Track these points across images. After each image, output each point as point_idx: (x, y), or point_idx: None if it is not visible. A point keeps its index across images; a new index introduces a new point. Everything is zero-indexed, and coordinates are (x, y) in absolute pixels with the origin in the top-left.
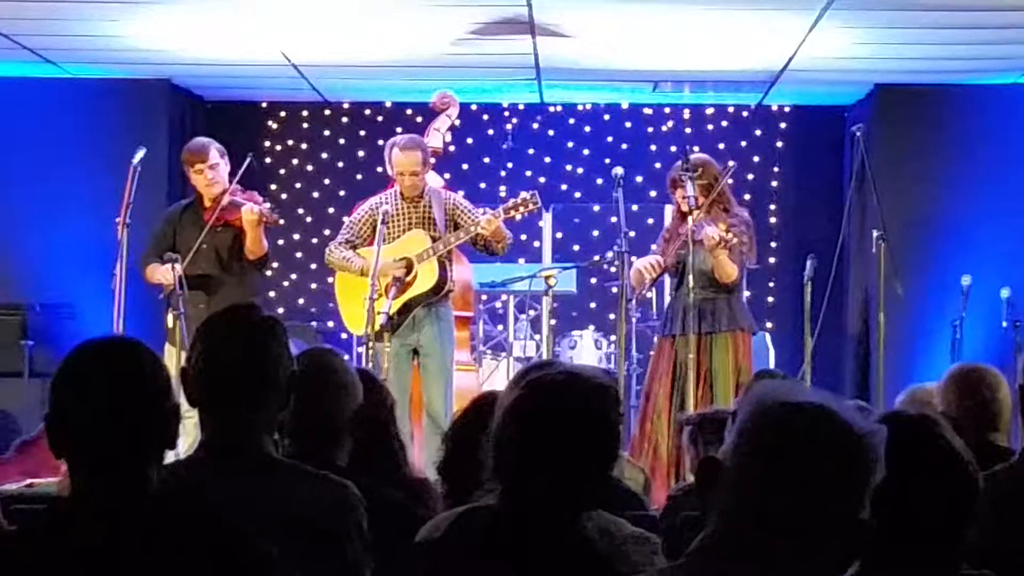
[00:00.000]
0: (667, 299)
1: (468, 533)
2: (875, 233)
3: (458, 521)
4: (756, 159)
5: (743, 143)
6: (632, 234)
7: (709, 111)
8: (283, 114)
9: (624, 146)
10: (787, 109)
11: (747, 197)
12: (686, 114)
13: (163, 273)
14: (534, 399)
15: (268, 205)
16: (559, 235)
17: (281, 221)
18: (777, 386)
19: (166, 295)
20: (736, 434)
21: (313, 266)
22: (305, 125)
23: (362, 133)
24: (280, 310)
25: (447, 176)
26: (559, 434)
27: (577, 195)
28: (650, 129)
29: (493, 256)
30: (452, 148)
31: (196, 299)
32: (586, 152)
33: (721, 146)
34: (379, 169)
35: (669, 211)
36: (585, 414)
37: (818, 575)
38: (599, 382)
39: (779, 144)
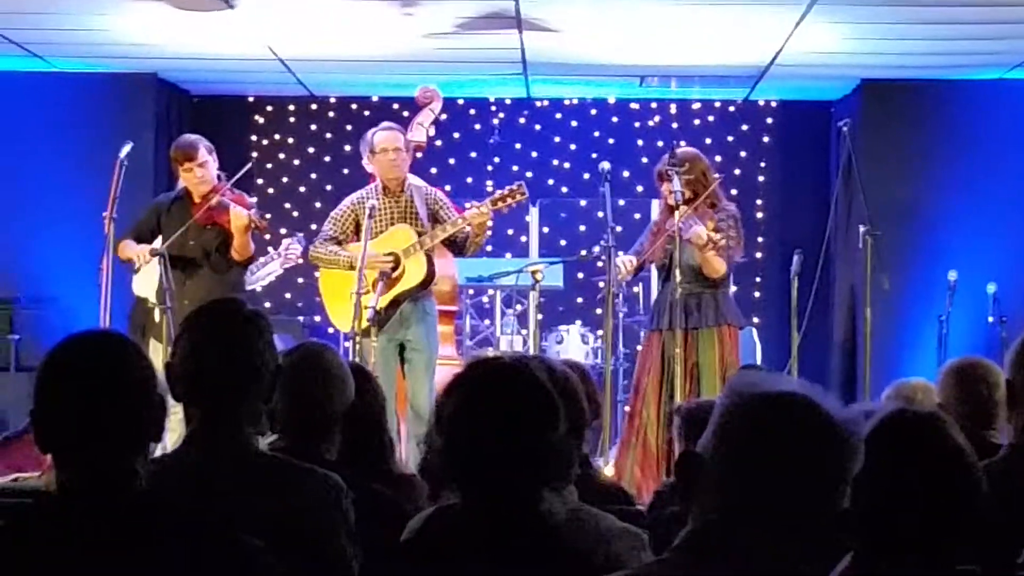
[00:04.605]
0: (654, 294)
1: (436, 533)
2: (861, 228)
3: (427, 522)
4: (743, 154)
5: (730, 138)
6: (619, 229)
7: (696, 106)
8: (270, 108)
9: (611, 141)
10: (774, 104)
11: (734, 192)
12: (673, 109)
13: (134, 251)
14: (456, 399)
15: (255, 210)
16: (546, 230)
17: (267, 219)
18: (753, 377)
19: (136, 270)
20: (714, 427)
21: (299, 260)
22: (292, 119)
23: (349, 127)
24: (267, 304)
25: (433, 171)
26: (483, 421)
27: (564, 190)
28: (637, 124)
29: (460, 255)
30: (438, 143)
31: (180, 295)
32: (573, 147)
33: (708, 141)
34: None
35: (656, 205)
36: (499, 393)
37: (801, 566)
38: (509, 360)
39: (766, 139)
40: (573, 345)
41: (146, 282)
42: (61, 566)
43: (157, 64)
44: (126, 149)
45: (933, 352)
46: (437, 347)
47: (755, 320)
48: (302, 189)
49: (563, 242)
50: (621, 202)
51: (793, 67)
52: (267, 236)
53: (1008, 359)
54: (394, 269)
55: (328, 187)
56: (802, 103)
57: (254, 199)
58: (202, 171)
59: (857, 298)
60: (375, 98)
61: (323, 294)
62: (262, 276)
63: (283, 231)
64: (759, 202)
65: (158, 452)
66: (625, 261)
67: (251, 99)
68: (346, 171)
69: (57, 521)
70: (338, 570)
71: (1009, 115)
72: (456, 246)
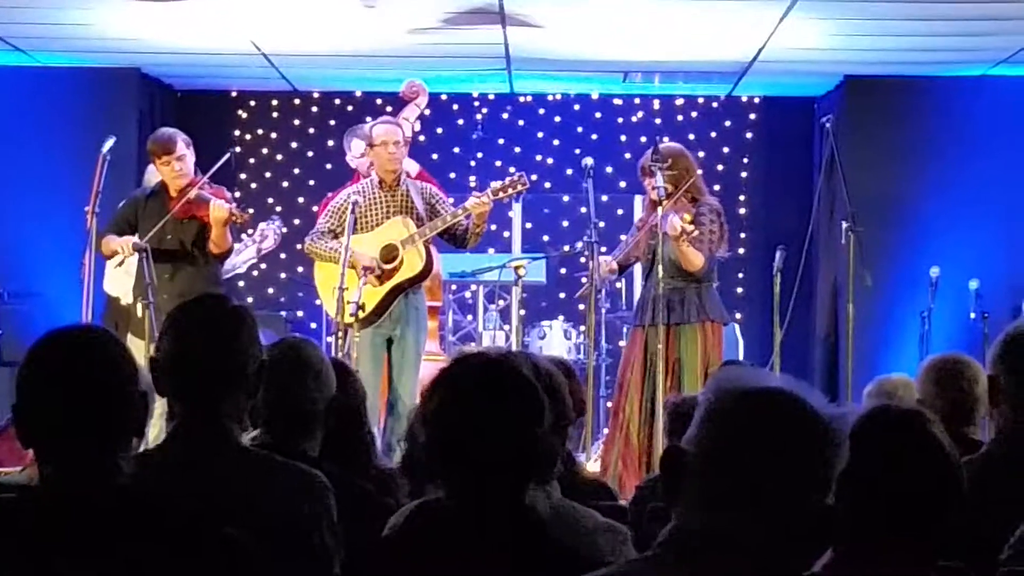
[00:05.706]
0: (637, 289)
1: (420, 529)
2: (844, 224)
3: (410, 518)
4: (726, 150)
5: (713, 134)
6: (602, 224)
7: (679, 102)
8: (253, 103)
9: (594, 136)
10: (757, 100)
11: (717, 188)
12: (656, 105)
13: (118, 243)
14: (441, 394)
15: (233, 204)
16: (529, 225)
17: (249, 213)
18: (738, 373)
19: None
20: (698, 422)
21: (283, 256)
22: (275, 114)
23: (332, 122)
24: (249, 299)
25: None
26: (469, 416)
27: (547, 185)
28: (620, 120)
29: (460, 248)
30: (422, 138)
31: (158, 288)
32: (556, 142)
33: (691, 137)
34: (349, 158)
35: (639, 202)
36: (485, 389)
37: (785, 562)
38: (494, 355)
39: (749, 135)
40: (556, 341)
41: (117, 280)
42: (44, 561)
43: (141, 59)
44: (109, 144)
45: (915, 348)
46: (425, 341)
47: (738, 316)
48: (285, 184)
49: (546, 238)
50: (604, 198)
51: (776, 63)
52: (249, 231)
53: (990, 355)
54: (392, 260)
55: (311, 182)
56: (785, 99)
57: (237, 194)
58: (180, 164)
59: (839, 294)
60: (358, 93)
61: (319, 288)
62: (238, 263)
63: None
64: (742, 198)
65: (141, 447)
66: (605, 271)
67: (234, 94)
68: (329, 166)
69: (40, 516)
70: (320, 565)
71: (992, 111)
72: (456, 238)
